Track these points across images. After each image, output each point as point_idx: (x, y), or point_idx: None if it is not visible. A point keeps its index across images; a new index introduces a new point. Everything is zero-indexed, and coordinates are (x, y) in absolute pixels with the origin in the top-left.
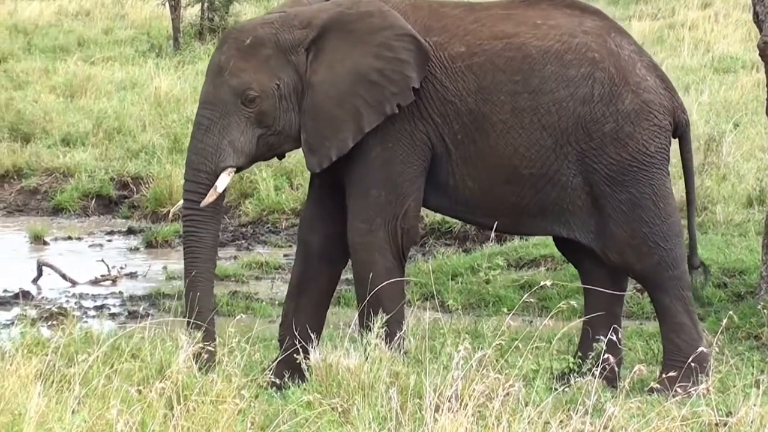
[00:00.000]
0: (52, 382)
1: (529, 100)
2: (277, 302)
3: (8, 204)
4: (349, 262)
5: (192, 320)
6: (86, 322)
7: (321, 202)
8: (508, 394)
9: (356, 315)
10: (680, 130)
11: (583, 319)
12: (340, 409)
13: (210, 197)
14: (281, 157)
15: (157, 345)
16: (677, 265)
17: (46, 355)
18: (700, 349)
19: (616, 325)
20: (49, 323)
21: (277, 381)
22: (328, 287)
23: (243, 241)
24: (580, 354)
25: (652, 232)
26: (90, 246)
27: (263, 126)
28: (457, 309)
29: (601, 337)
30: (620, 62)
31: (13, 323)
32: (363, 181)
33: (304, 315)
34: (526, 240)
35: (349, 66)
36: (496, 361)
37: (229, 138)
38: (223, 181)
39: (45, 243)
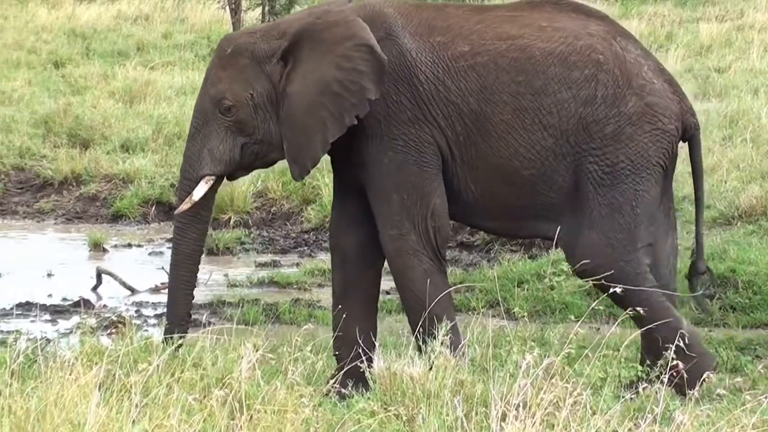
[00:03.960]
0: (112, 391)
1: (532, 101)
2: None
3: (67, 211)
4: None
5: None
6: (146, 330)
7: (346, 207)
8: (575, 402)
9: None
10: (689, 134)
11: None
12: (404, 418)
13: (184, 205)
14: (270, 165)
15: (219, 353)
16: (642, 272)
17: (107, 364)
18: None
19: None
20: (109, 332)
21: (341, 390)
22: (372, 289)
23: (305, 248)
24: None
25: (625, 239)
26: (150, 253)
27: (245, 135)
28: (523, 316)
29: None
30: (625, 65)
31: (72, 332)
32: (383, 188)
33: (355, 322)
34: None
35: (317, 76)
36: (564, 369)
37: (208, 146)
38: (200, 189)
39: (104, 250)
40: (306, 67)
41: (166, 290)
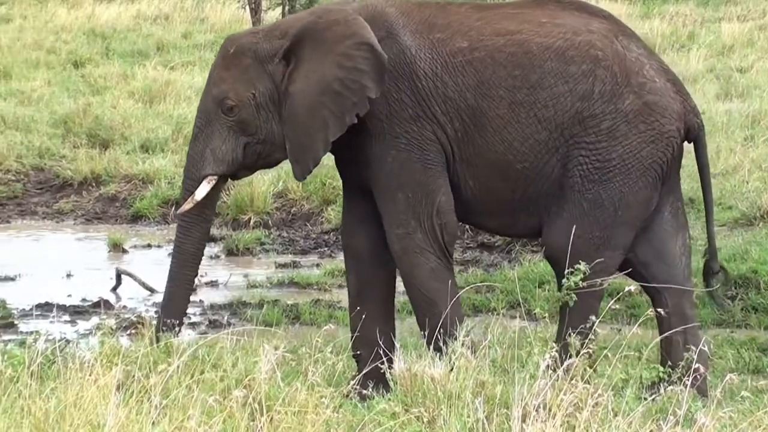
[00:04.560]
0: (132, 392)
1: (527, 94)
2: None
3: (87, 211)
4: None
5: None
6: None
7: (355, 208)
8: (597, 403)
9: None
10: (693, 134)
11: (671, 332)
12: (425, 420)
13: (186, 205)
14: (273, 165)
15: (239, 355)
16: (602, 275)
17: (126, 365)
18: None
19: (694, 328)
20: (129, 332)
21: (362, 391)
22: (388, 289)
23: (325, 249)
24: (668, 362)
25: (600, 237)
26: (170, 254)
27: (247, 134)
28: (544, 317)
29: (679, 340)
30: (625, 63)
31: (92, 333)
32: (388, 186)
33: (373, 323)
34: None
35: (319, 75)
36: (585, 370)
37: (211, 146)
38: (202, 189)
39: (124, 251)
40: (308, 67)
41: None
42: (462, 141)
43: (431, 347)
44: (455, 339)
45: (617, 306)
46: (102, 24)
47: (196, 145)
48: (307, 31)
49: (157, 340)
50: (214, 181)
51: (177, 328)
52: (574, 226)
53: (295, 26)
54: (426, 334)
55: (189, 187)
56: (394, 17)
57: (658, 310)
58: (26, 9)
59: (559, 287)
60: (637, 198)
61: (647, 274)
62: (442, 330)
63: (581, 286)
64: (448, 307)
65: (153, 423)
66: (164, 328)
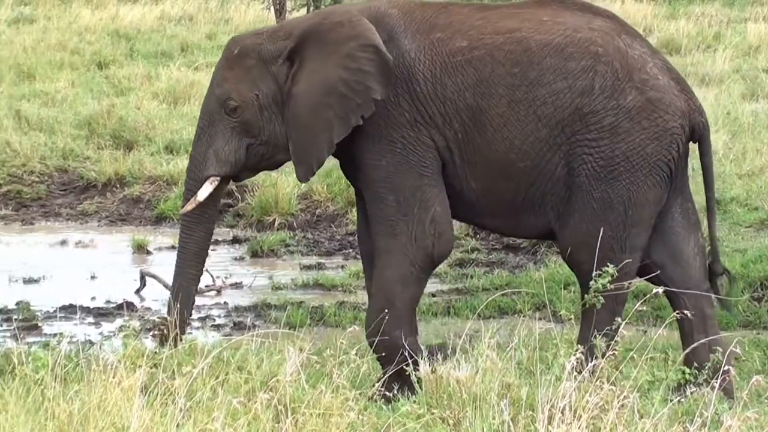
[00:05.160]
0: (156, 394)
1: (526, 92)
2: None
3: (111, 213)
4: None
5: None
6: (190, 333)
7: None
8: (622, 405)
9: (466, 326)
10: (698, 134)
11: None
12: (450, 422)
13: (188, 205)
14: (276, 166)
15: (263, 357)
16: (622, 277)
17: (150, 367)
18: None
19: (715, 327)
20: (152, 334)
21: (386, 393)
22: None
23: (350, 250)
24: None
25: (613, 238)
26: None
27: (250, 136)
28: (570, 318)
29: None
30: (627, 59)
31: (115, 334)
32: (381, 187)
33: None
34: None
35: (323, 77)
36: (610, 372)
37: (214, 147)
38: (204, 190)
39: (148, 252)
40: (311, 68)
41: (209, 292)
42: (462, 141)
43: (371, 349)
44: (400, 348)
45: (643, 308)
46: (126, 25)
47: (199, 146)
48: (311, 32)
49: (165, 340)
50: (216, 182)
51: (184, 328)
52: (587, 228)
53: (300, 27)
54: (369, 331)
55: (191, 188)
56: (396, 19)
57: (684, 312)
58: (50, 10)
59: (583, 292)
60: (647, 197)
61: (663, 277)
62: (386, 337)
63: (608, 288)
64: (401, 317)
65: (177, 425)
66: (170, 328)
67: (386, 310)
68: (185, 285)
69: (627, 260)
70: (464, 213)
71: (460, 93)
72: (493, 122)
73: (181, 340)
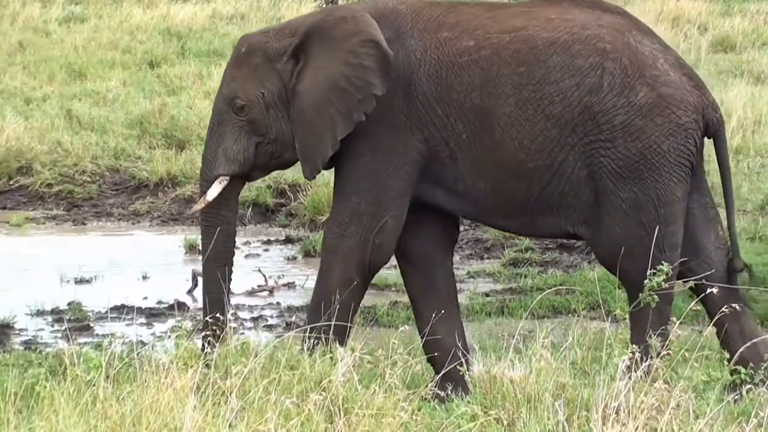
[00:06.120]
0: (209, 395)
1: (533, 91)
2: None
3: (163, 213)
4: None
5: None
6: (243, 333)
7: None
8: (678, 405)
9: (520, 326)
10: (712, 129)
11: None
12: (504, 422)
13: (198, 205)
14: (287, 165)
15: (316, 357)
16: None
17: (202, 367)
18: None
19: (749, 320)
20: (204, 335)
21: (440, 393)
22: (448, 288)
23: None
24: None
25: (649, 237)
26: (246, 256)
27: (258, 134)
28: (624, 318)
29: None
30: (637, 55)
31: (167, 335)
32: (347, 186)
33: (443, 325)
34: None
35: (326, 73)
36: (665, 371)
37: (223, 146)
38: (213, 189)
39: (200, 252)
40: (315, 65)
41: (262, 292)
42: (467, 142)
43: (305, 344)
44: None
45: (698, 307)
46: (177, 23)
47: (209, 146)
48: (315, 29)
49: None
50: (225, 182)
51: (221, 329)
52: (621, 230)
53: (304, 24)
54: (309, 334)
55: (202, 188)
56: (404, 17)
57: (723, 310)
58: (101, 9)
59: (630, 295)
60: (675, 194)
61: (688, 273)
62: (321, 336)
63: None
64: (334, 317)
65: (230, 426)
66: (207, 330)
67: (324, 311)
68: (213, 288)
69: (664, 258)
70: (473, 213)
71: (467, 93)
72: (501, 122)
73: (217, 342)
